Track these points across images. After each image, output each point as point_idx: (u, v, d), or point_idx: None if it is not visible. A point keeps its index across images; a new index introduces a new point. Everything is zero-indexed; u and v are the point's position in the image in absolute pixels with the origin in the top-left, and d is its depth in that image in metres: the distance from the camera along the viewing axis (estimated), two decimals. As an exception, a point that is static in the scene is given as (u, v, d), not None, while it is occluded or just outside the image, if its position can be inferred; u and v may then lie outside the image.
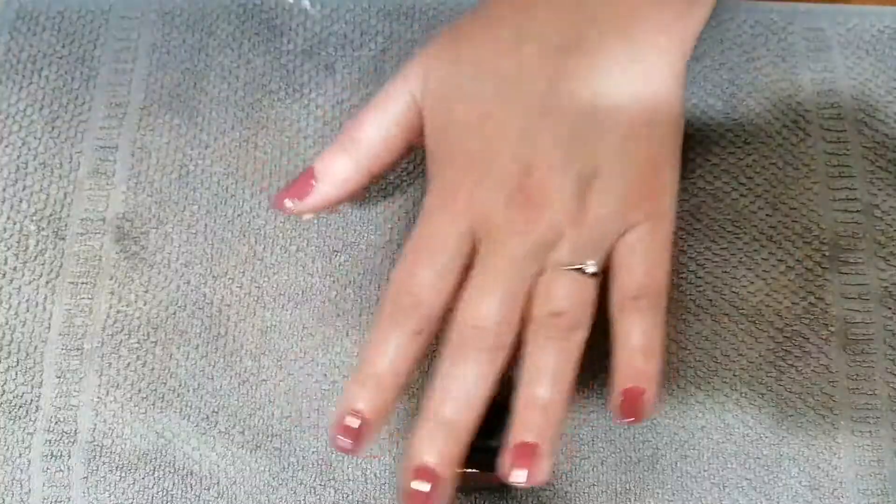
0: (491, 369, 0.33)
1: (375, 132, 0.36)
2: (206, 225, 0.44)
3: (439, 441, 0.32)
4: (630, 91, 0.34)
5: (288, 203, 0.37)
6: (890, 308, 0.43)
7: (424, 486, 0.32)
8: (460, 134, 0.34)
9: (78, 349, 0.42)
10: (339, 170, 0.37)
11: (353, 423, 0.33)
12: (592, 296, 0.34)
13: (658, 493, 0.40)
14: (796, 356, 0.42)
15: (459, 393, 0.32)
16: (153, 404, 0.41)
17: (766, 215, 0.44)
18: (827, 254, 0.44)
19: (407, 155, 0.38)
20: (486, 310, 0.33)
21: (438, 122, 0.35)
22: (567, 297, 0.33)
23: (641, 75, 0.34)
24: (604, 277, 0.36)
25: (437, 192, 0.34)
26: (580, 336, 0.34)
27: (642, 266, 0.34)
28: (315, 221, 0.44)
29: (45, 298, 0.43)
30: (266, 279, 0.43)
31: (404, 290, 0.33)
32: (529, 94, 0.34)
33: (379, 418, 0.33)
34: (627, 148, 0.34)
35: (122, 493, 0.40)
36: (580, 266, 0.33)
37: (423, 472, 0.32)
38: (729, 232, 0.44)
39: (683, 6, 0.35)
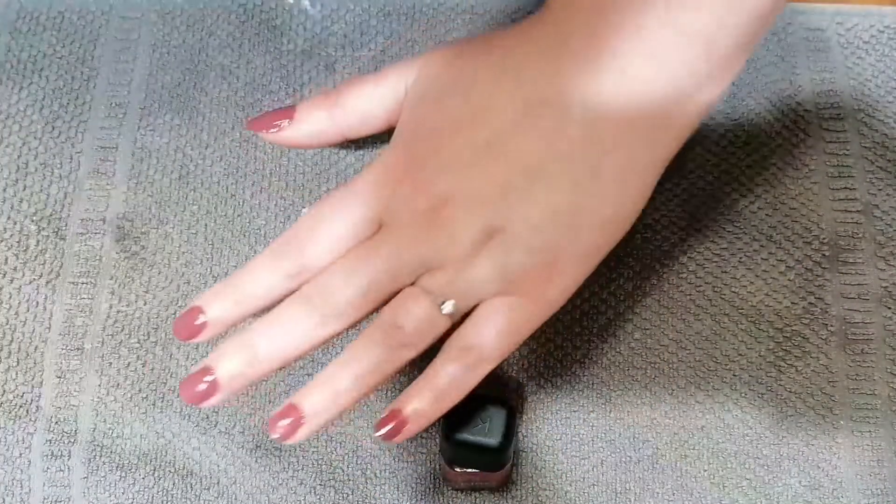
0: (315, 331, 0.34)
1: (360, 106, 0.38)
2: (206, 225, 0.44)
3: (237, 360, 0.34)
4: (581, 172, 0.33)
5: (266, 131, 0.39)
6: (890, 308, 0.43)
7: (201, 385, 0.34)
8: (420, 132, 0.35)
9: (78, 349, 0.42)
10: (315, 124, 0.38)
11: (196, 322, 0.35)
12: (438, 331, 0.35)
13: (658, 493, 0.40)
14: (796, 356, 0.42)
15: (279, 333, 0.34)
16: (153, 404, 0.41)
17: (766, 215, 0.44)
18: (827, 254, 0.44)
19: (385, 131, 0.39)
20: (341, 284, 0.34)
21: (410, 119, 0.36)
22: (415, 319, 0.34)
23: (599, 165, 0.33)
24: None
25: (378, 169, 0.36)
26: (406, 356, 0.34)
27: (493, 332, 0.34)
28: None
29: (46, 298, 0.43)
30: (266, 279, 0.43)
31: (300, 237, 0.35)
32: (486, 130, 0.34)
33: (219, 326, 0.35)
34: (548, 225, 0.34)
35: (122, 493, 0.40)
36: (441, 302, 0.34)
37: (206, 371, 0.34)
38: (729, 232, 0.44)
39: (665, 108, 0.33)
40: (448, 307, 0.34)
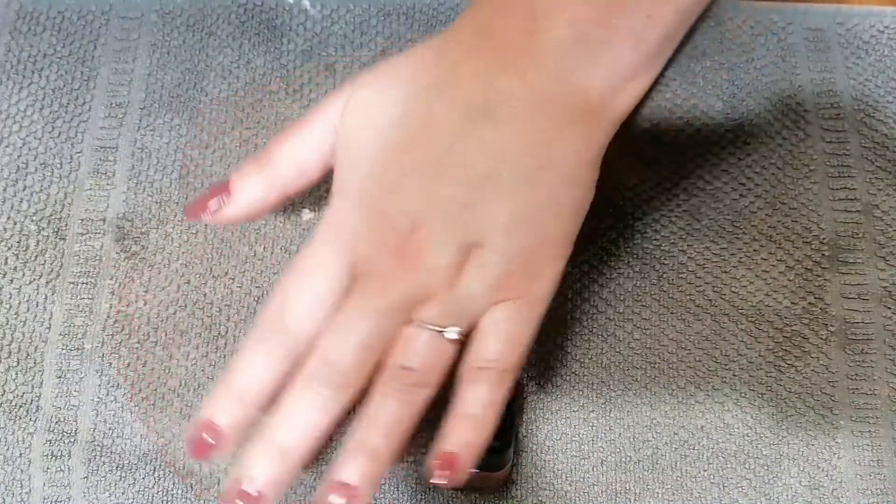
0: (333, 405, 0.34)
1: (291, 157, 0.36)
2: (206, 225, 0.44)
3: (269, 465, 0.33)
4: (529, 173, 0.34)
5: (205, 216, 0.37)
6: (890, 308, 0.43)
7: (246, 499, 0.33)
8: (362, 170, 0.34)
9: (78, 349, 0.42)
10: (252, 190, 0.37)
11: (210, 438, 0.34)
12: (448, 360, 0.34)
13: (658, 493, 0.40)
14: (796, 356, 0.42)
15: (299, 422, 0.33)
16: (153, 404, 0.41)
17: (766, 215, 0.44)
18: (827, 254, 0.44)
19: (323, 179, 0.38)
20: (339, 350, 0.33)
21: (347, 156, 0.35)
22: (422, 355, 0.34)
23: (545, 160, 0.34)
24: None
25: (330, 223, 0.35)
26: (425, 394, 0.34)
27: (499, 341, 0.34)
28: (315, 221, 0.44)
29: (46, 298, 0.43)
30: (266, 279, 0.43)
31: (278, 314, 0.34)
32: (429, 150, 0.34)
33: (236, 433, 0.34)
34: (516, 226, 0.34)
35: (122, 493, 0.40)
36: (442, 330, 0.34)
37: (247, 491, 0.33)
38: (729, 232, 0.44)
39: (602, 98, 0.34)
40: (451, 333, 0.34)
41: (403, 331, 0.34)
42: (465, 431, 0.34)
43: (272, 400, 0.34)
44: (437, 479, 0.33)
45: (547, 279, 0.35)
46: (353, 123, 0.35)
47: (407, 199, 0.33)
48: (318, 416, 0.33)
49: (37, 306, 0.43)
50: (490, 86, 0.33)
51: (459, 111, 0.33)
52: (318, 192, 0.44)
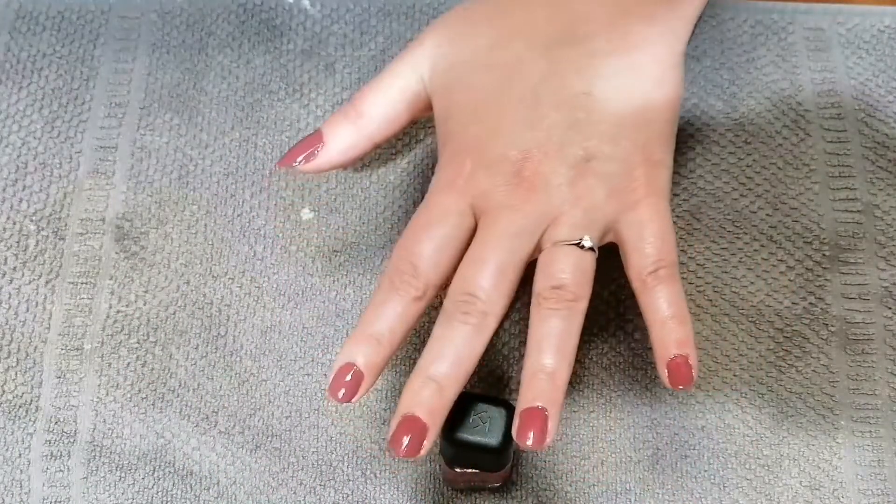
0: (479, 333, 0.35)
1: (381, 108, 0.39)
2: (205, 225, 0.44)
3: (427, 395, 0.34)
4: (621, 81, 0.36)
5: (298, 164, 0.39)
6: (890, 308, 0.43)
7: (408, 436, 0.34)
8: (462, 119, 0.36)
9: (78, 349, 0.42)
10: (345, 139, 0.39)
11: (350, 379, 0.35)
12: (591, 269, 0.36)
13: (658, 494, 0.40)
14: (796, 356, 0.42)
15: (448, 352, 0.34)
16: (153, 404, 0.41)
17: (766, 215, 0.44)
18: (827, 254, 0.44)
19: (409, 126, 0.40)
20: (476, 279, 0.35)
21: (444, 109, 0.37)
22: (567, 270, 0.35)
23: (631, 66, 0.36)
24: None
25: (443, 171, 0.37)
26: (581, 306, 0.35)
27: (651, 242, 0.36)
28: (315, 221, 0.44)
29: (45, 298, 0.43)
30: (266, 279, 0.43)
31: (405, 259, 0.35)
32: (522, 85, 0.36)
33: (374, 373, 0.35)
34: (621, 133, 0.36)
35: (122, 494, 0.40)
36: (578, 241, 0.35)
37: (410, 421, 0.34)
38: (729, 232, 0.44)
39: (670, 20, 0.37)
40: (587, 241, 0.35)
41: (541, 256, 0.35)
42: (676, 329, 0.35)
43: (405, 340, 0.35)
44: (678, 387, 0.35)
45: (661, 174, 0.36)
46: (443, 81, 0.37)
47: (512, 135, 0.35)
48: (466, 344, 0.34)
49: (36, 306, 0.43)
50: (565, 17, 0.36)
51: (539, 46, 0.36)
52: (317, 192, 0.44)
